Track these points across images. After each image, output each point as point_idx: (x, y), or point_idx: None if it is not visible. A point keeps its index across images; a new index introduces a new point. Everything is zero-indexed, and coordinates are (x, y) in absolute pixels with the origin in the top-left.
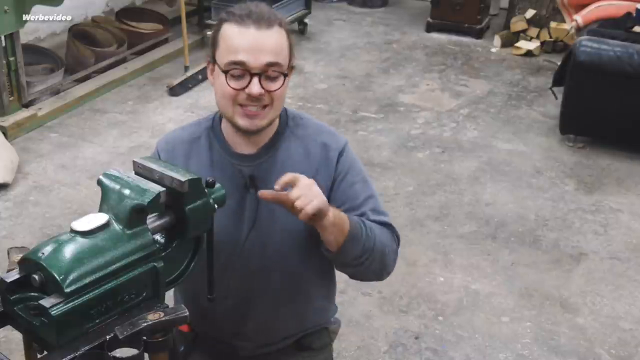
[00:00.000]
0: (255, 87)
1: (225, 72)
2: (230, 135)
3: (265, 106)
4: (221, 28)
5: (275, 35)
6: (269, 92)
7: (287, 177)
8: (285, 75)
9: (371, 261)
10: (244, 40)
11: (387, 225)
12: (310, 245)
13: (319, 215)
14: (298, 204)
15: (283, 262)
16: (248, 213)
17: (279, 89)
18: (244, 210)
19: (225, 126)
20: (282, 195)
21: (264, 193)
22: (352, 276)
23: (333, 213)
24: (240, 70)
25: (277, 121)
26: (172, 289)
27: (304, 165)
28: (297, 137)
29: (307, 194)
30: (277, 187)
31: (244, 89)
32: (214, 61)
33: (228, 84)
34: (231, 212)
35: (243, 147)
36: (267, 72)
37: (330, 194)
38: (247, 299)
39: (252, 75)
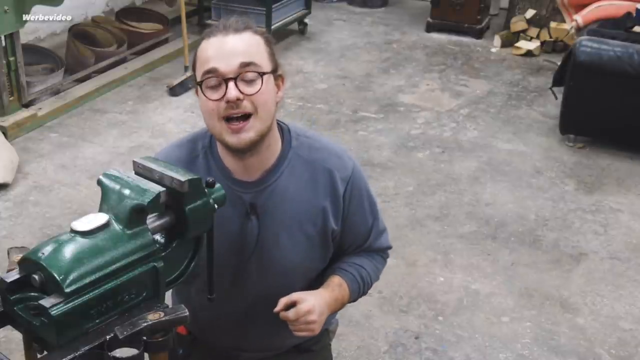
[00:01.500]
0: (231, 92)
1: (200, 83)
2: (229, 161)
3: (248, 116)
4: (197, 50)
5: (245, 38)
6: (247, 96)
7: (292, 298)
8: (263, 75)
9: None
10: (213, 49)
11: (382, 250)
12: (311, 266)
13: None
14: (292, 328)
15: (284, 284)
16: (249, 239)
17: (257, 92)
18: (245, 236)
19: (222, 150)
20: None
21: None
22: None
23: (330, 308)
24: (214, 79)
25: (278, 144)
26: (170, 300)
27: (309, 192)
28: (303, 160)
29: (301, 325)
30: (277, 308)
31: (222, 98)
32: (196, 82)
33: (205, 96)
34: (232, 238)
35: (243, 173)
36: (243, 75)
37: (339, 226)
38: (247, 318)
39: (227, 81)
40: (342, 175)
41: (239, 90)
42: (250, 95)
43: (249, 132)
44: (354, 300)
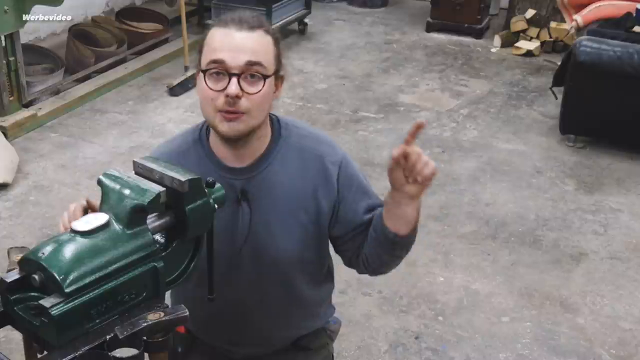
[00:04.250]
0: (233, 87)
1: (205, 71)
2: (220, 150)
3: (241, 113)
4: (207, 35)
5: (257, 37)
6: (247, 94)
7: (400, 149)
8: (266, 78)
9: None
10: (224, 40)
11: None
12: (305, 256)
13: (431, 179)
14: (424, 158)
15: (278, 273)
16: (241, 227)
17: (258, 92)
18: (237, 223)
19: (213, 140)
20: (409, 149)
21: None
22: (384, 268)
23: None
24: (219, 69)
25: (268, 135)
26: (169, 299)
27: (300, 179)
28: (292, 148)
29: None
30: (394, 154)
31: (222, 90)
32: (199, 67)
33: (207, 84)
34: (224, 225)
35: (233, 160)
36: (247, 73)
37: (334, 215)
38: (244, 309)
39: (230, 75)
40: (333, 159)
41: (240, 87)
42: (250, 94)
43: (240, 124)
44: (413, 234)
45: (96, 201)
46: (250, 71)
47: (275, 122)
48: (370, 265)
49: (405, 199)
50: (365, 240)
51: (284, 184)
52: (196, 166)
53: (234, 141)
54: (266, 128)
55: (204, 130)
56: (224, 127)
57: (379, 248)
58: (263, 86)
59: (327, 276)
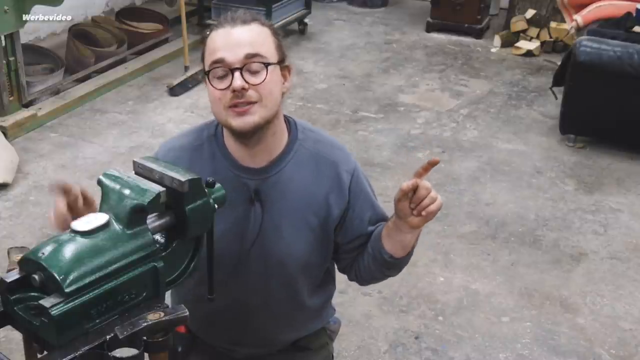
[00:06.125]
0: (237, 81)
1: (208, 73)
2: (235, 149)
3: (253, 103)
4: (206, 41)
5: (252, 29)
6: (253, 86)
7: (412, 182)
8: (268, 66)
9: None
10: (221, 40)
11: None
12: (311, 259)
13: (435, 214)
14: (432, 194)
15: (284, 275)
16: (252, 227)
17: (262, 82)
18: (248, 223)
19: (228, 139)
20: (420, 182)
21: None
22: (373, 281)
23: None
24: (221, 69)
25: (284, 134)
26: (170, 298)
27: (313, 183)
28: (308, 152)
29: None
30: (404, 187)
31: (228, 87)
32: (204, 72)
33: (212, 85)
34: (234, 225)
35: (248, 161)
36: (248, 65)
37: (340, 222)
38: (247, 310)
39: (233, 71)
40: (347, 167)
41: (245, 79)
42: (255, 85)
43: (254, 116)
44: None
45: (93, 196)
46: (251, 63)
47: (292, 125)
48: (361, 277)
49: (406, 228)
50: (362, 253)
51: (298, 187)
52: (209, 163)
53: (249, 137)
54: (280, 124)
55: (220, 126)
56: (237, 122)
57: (372, 264)
58: (267, 74)
59: (328, 279)
